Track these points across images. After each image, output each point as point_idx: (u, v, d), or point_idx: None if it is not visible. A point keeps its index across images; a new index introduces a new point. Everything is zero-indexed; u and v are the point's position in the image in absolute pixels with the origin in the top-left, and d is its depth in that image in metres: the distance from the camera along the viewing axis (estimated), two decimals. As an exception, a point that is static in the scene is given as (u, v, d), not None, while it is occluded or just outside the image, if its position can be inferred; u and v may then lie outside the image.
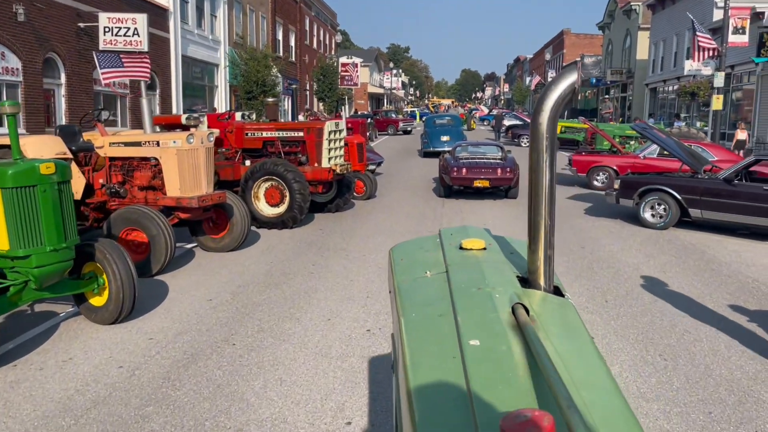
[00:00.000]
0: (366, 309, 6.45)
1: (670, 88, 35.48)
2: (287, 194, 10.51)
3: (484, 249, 1.89)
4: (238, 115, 12.20)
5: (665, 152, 15.37)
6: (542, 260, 1.59)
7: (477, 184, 13.77)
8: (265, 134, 11.57)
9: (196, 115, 10.13)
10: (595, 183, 15.85)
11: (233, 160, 11.54)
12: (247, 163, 11.41)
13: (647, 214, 10.96)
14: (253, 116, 12.41)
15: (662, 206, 10.80)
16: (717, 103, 20.09)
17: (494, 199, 14.42)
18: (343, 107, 31.56)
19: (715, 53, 21.72)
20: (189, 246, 9.36)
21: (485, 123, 57.74)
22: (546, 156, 1.47)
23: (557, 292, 1.62)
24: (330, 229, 10.81)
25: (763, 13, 23.42)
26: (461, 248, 1.90)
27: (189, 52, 24.59)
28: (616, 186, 11.36)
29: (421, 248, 2.05)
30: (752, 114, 25.01)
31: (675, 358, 5.23)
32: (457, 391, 1.14)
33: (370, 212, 12.60)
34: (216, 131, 10.60)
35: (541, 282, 1.59)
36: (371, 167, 16.81)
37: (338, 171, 11.28)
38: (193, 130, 8.42)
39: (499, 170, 13.83)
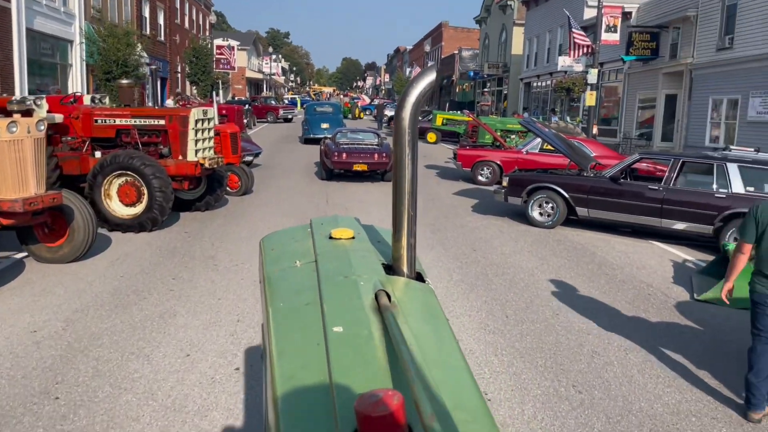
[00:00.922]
0: (235, 339, 5.36)
1: (543, 84, 36.76)
2: (145, 192, 9.07)
3: (353, 238, 1.95)
4: (87, 99, 10.45)
5: (547, 147, 15.43)
6: (405, 248, 1.65)
7: (356, 167, 14.84)
8: (118, 121, 9.97)
9: (31, 97, 8.40)
10: (480, 178, 15.58)
11: (80, 151, 9.85)
12: (98, 154, 9.78)
13: (535, 213, 10.66)
14: (106, 100, 10.67)
15: (550, 205, 10.53)
16: (590, 99, 20.72)
17: (372, 182, 15.36)
18: (215, 92, 29.48)
19: (589, 50, 22.40)
20: (19, 256, 7.72)
21: (367, 113, 57.34)
22: (408, 150, 1.53)
23: (419, 278, 1.72)
24: (197, 232, 9.48)
25: (630, 13, 24.53)
26: (331, 238, 1.94)
27: (36, 25, 21.66)
28: (505, 183, 10.97)
29: (292, 238, 2.07)
30: (619, 110, 26.24)
31: (590, 390, 4.65)
32: (318, 375, 1.18)
33: (245, 210, 11.37)
34: (57, 117, 8.93)
35: (405, 269, 1.66)
36: (247, 159, 15.48)
37: (207, 165, 9.96)
38: (16, 116, 6.80)
39: (375, 155, 14.98)
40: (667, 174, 9.73)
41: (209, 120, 10.27)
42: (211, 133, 10.44)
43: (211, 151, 10.43)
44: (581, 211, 10.31)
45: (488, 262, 8.20)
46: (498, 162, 15.37)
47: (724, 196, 9.21)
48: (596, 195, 10.12)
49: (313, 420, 1.07)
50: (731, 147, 9.90)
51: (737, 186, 9.19)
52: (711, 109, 19.76)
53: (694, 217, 9.39)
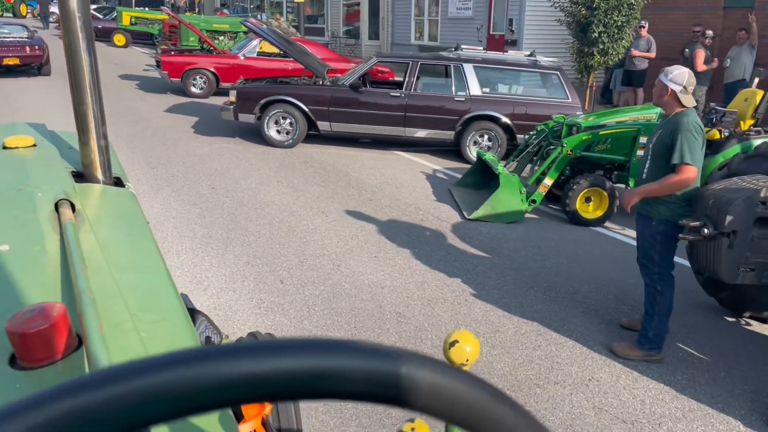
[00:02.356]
0: None
1: (240, -23, 34.02)
2: None
3: (34, 146, 1.79)
4: None
5: (265, 50, 13.82)
6: (96, 152, 1.54)
7: (7, 62, 14.44)
8: None
9: None
10: (193, 89, 13.40)
11: None
12: None
13: (272, 131, 9.26)
14: None
15: (288, 120, 9.22)
16: (300, -6, 19.36)
17: (28, 77, 14.80)
18: None
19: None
20: None
21: (30, 9, 47.29)
22: (82, 36, 1.40)
23: (119, 183, 1.62)
24: None
25: None
26: (5, 147, 1.75)
27: None
28: (233, 98, 9.25)
29: None
30: (324, 8, 25.42)
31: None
32: None
33: None
34: None
35: (99, 175, 1.56)
36: None
37: None
38: None
39: (27, 48, 14.73)
40: (406, 79, 9.10)
41: None
42: None
43: None
44: (323, 126, 9.23)
45: (235, 203, 6.68)
46: (212, 69, 13.31)
47: (464, 99, 8.95)
48: (338, 106, 9.09)
49: None
50: (462, 47, 9.66)
51: (474, 88, 8.99)
52: (414, 6, 20.05)
53: (437, 123, 9.03)
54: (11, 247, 1.20)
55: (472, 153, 9.04)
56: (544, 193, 6.45)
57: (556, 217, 6.70)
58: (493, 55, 9.47)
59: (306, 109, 9.11)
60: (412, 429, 1.12)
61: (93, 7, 32.28)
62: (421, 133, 9.13)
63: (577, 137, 6.36)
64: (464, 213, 6.58)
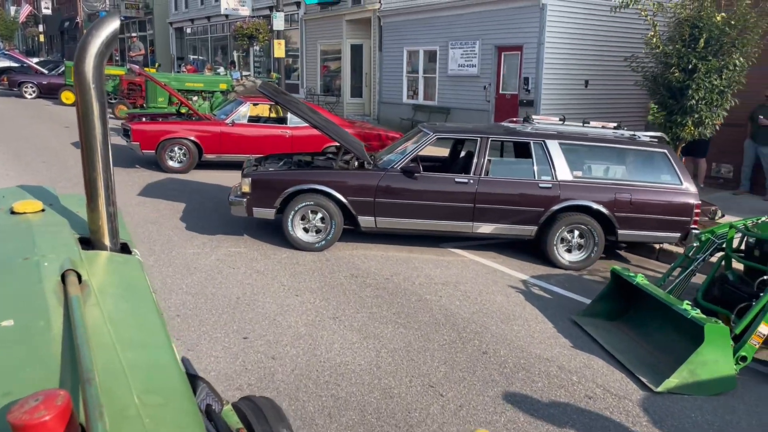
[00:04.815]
0: None
1: (200, 29, 31.95)
2: None
3: (42, 211, 1.76)
4: None
5: (258, 115, 11.61)
6: (104, 218, 1.54)
7: None
8: None
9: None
10: (171, 163, 10.96)
11: None
12: None
13: (299, 230, 6.95)
14: None
15: (319, 215, 6.94)
16: (279, 49, 17.28)
17: None
18: None
19: (272, -10, 18.72)
20: None
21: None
22: (96, 106, 1.43)
23: (126, 249, 1.59)
24: None
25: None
26: (13, 212, 1.73)
27: None
28: (246, 188, 6.91)
29: None
30: (299, 62, 23.47)
31: None
32: None
33: None
34: None
35: (106, 241, 1.54)
36: None
37: None
38: None
39: None
40: (475, 160, 7.01)
41: None
42: None
43: None
44: (366, 221, 6.98)
45: (294, 380, 4.30)
46: (193, 138, 10.94)
47: (550, 185, 6.91)
48: (387, 197, 6.89)
49: None
50: (533, 117, 7.69)
51: (563, 171, 6.96)
52: (406, 62, 18.28)
53: (515, 216, 6.93)
54: (16, 322, 1.16)
55: (561, 254, 6.95)
56: (758, 346, 4.35)
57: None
58: (576, 129, 7.51)
59: (344, 200, 6.86)
60: None
61: (34, 60, 29.37)
62: (491, 228, 7.00)
63: (809, 264, 4.32)
64: (643, 379, 4.38)
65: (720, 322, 4.29)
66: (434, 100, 17.28)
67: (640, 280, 5.06)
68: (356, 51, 20.74)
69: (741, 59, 7.76)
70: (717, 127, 8.33)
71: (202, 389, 1.57)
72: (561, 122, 7.71)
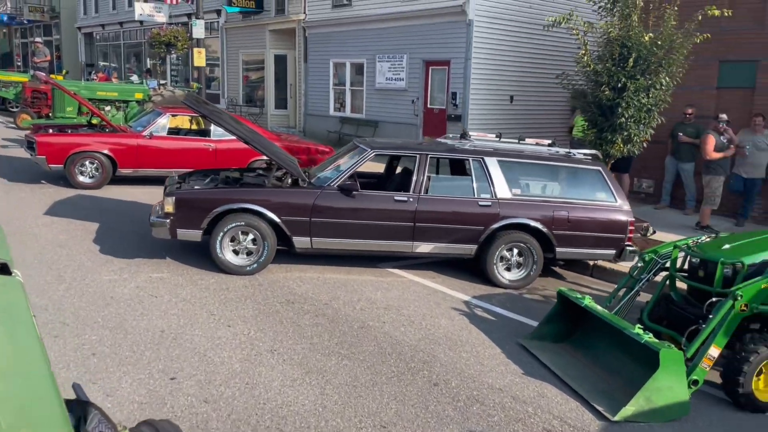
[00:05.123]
0: None
1: (111, 34, 30.41)
2: None
3: None
4: None
5: (178, 126, 11.00)
6: None
7: None
8: None
9: None
10: (81, 178, 10.11)
11: None
12: None
13: (228, 253, 6.47)
14: None
15: (250, 236, 6.49)
16: (200, 58, 16.51)
17: None
18: None
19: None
20: None
21: None
22: None
23: (5, 269, 1.49)
24: None
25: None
26: None
27: None
28: (169, 209, 6.36)
29: None
30: (220, 72, 22.69)
31: None
32: None
33: None
34: None
35: None
36: None
37: None
38: None
39: None
40: (415, 178, 6.78)
41: None
42: None
43: None
44: (301, 242, 6.60)
45: (230, 424, 3.86)
46: (107, 152, 10.15)
47: (490, 203, 6.78)
48: (324, 216, 6.54)
49: None
50: (470, 133, 7.56)
51: (502, 189, 6.85)
52: (333, 74, 17.97)
53: (455, 235, 6.76)
54: None
55: (500, 273, 6.83)
56: (708, 369, 4.31)
57: (722, 400, 4.56)
58: (514, 146, 7.44)
59: (278, 220, 6.45)
60: None
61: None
62: (430, 248, 6.79)
63: (754, 286, 4.33)
64: (599, 408, 4.24)
65: (672, 346, 4.22)
66: (362, 113, 17.06)
67: (588, 302, 4.96)
68: (280, 61, 20.26)
69: (667, 79, 7.96)
70: (645, 145, 8.51)
71: (94, 416, 1.50)
72: (498, 139, 7.63)
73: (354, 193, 6.57)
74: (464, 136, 7.62)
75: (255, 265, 6.50)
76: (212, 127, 10.59)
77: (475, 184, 6.83)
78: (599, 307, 4.91)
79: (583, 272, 7.76)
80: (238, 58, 21.73)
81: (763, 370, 4.42)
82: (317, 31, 18.22)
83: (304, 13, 18.44)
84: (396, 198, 6.68)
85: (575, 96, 8.68)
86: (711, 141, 9.17)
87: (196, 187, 6.71)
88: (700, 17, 7.71)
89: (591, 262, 7.65)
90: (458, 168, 7.39)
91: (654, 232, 7.93)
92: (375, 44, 16.34)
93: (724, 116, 9.24)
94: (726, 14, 7.64)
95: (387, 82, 16.18)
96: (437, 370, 4.69)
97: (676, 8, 7.81)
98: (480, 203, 6.76)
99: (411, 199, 6.66)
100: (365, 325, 5.44)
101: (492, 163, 6.89)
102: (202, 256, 6.79)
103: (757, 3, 9.69)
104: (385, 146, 7.22)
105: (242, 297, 5.88)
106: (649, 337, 4.27)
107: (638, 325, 4.42)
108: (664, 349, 4.08)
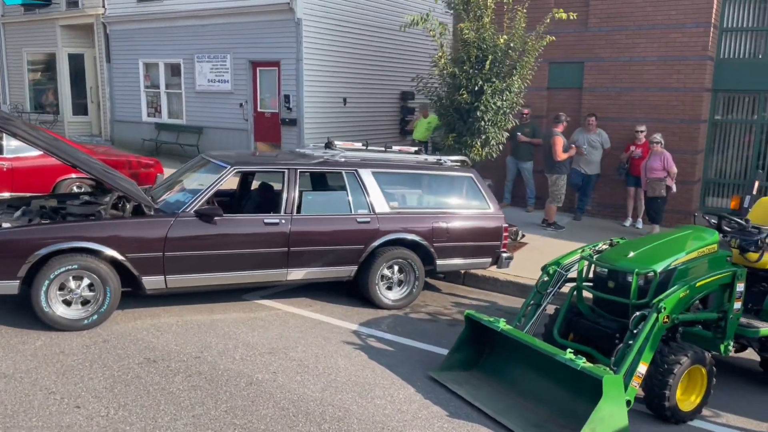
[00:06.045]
0: None
1: None
2: None
3: None
4: None
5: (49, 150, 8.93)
6: None
7: None
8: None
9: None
10: None
11: None
12: None
13: (57, 305, 5.11)
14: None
15: (85, 282, 5.18)
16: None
17: None
18: None
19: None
20: None
21: None
22: None
23: None
24: None
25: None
26: None
27: None
28: (-31, 254, 4.83)
29: None
30: (1, 75, 19.32)
31: None
32: None
33: None
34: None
35: None
36: None
37: None
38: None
39: None
40: (285, 196, 5.95)
41: None
42: None
43: None
44: (152, 282, 5.43)
45: None
46: None
47: (368, 219, 6.21)
48: (179, 249, 5.44)
49: None
50: (336, 143, 6.87)
51: (379, 203, 6.31)
52: (144, 76, 16.10)
53: (333, 257, 6.08)
54: None
55: (383, 293, 6.30)
56: (638, 387, 4.15)
57: (646, 415, 4.43)
58: (383, 155, 6.91)
59: (122, 259, 5.23)
60: None
61: None
62: (304, 273, 6.04)
63: (674, 296, 4.24)
64: (542, 445, 3.85)
65: (609, 370, 3.98)
66: (182, 119, 15.50)
67: (503, 325, 4.59)
68: (76, 61, 17.75)
69: (519, 81, 8.01)
70: (500, 148, 8.52)
71: None
72: (365, 148, 7.07)
73: (216, 218, 5.57)
74: (329, 145, 6.94)
75: (95, 317, 5.21)
76: (4, 143, 8.69)
77: (351, 199, 6.21)
78: (519, 332, 4.57)
79: (456, 281, 7.53)
80: (21, 56, 18.66)
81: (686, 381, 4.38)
82: (121, 28, 16.19)
83: (103, 6, 16.29)
84: (266, 221, 5.81)
85: (432, 99, 8.41)
86: (560, 142, 9.49)
87: (4, 224, 5.22)
88: (548, 20, 7.84)
89: (462, 271, 7.44)
90: (333, 182, 6.69)
91: (523, 236, 7.94)
92: (193, 43, 14.90)
93: (563, 115, 9.63)
94: (572, 17, 7.86)
95: (210, 84, 14.85)
96: (355, 427, 3.99)
97: (525, 10, 7.87)
98: (358, 219, 6.15)
99: (283, 221, 5.83)
100: (254, 380, 4.54)
101: (367, 175, 6.32)
102: (21, 310, 5.32)
103: (582, 6, 10.26)
104: (247, 162, 6.29)
105: (86, 362, 4.63)
106: (584, 362, 3.99)
107: (569, 351, 4.13)
108: (608, 377, 3.81)
